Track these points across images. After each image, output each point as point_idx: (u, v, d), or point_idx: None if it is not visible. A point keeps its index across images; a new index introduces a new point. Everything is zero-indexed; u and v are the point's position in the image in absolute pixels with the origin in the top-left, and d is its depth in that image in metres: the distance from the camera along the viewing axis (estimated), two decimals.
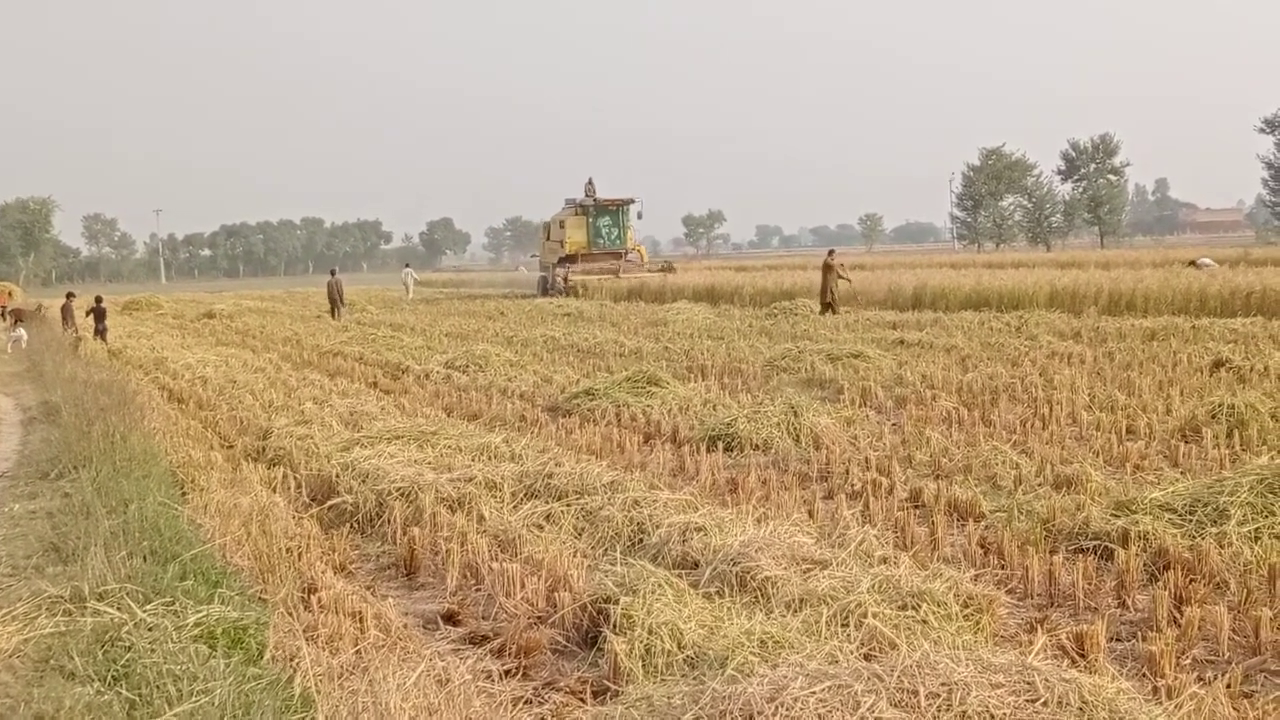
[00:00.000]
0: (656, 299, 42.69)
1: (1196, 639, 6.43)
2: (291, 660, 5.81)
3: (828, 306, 32.25)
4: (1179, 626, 6.53)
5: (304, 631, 6.46)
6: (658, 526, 8.64)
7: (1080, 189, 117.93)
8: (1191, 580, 7.19)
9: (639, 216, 54.48)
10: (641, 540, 8.67)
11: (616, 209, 53.75)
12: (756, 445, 12.65)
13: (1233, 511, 8.05)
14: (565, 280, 50.75)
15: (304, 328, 36.93)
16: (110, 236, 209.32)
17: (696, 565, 7.64)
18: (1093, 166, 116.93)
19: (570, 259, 52.37)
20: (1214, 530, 7.94)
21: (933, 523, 8.87)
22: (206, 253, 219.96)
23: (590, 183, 53.48)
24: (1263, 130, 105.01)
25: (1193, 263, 39.64)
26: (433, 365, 21.69)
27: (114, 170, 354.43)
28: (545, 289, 53.78)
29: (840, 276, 33.15)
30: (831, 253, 35.83)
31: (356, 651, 6.39)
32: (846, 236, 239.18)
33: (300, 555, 8.53)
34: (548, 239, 56.54)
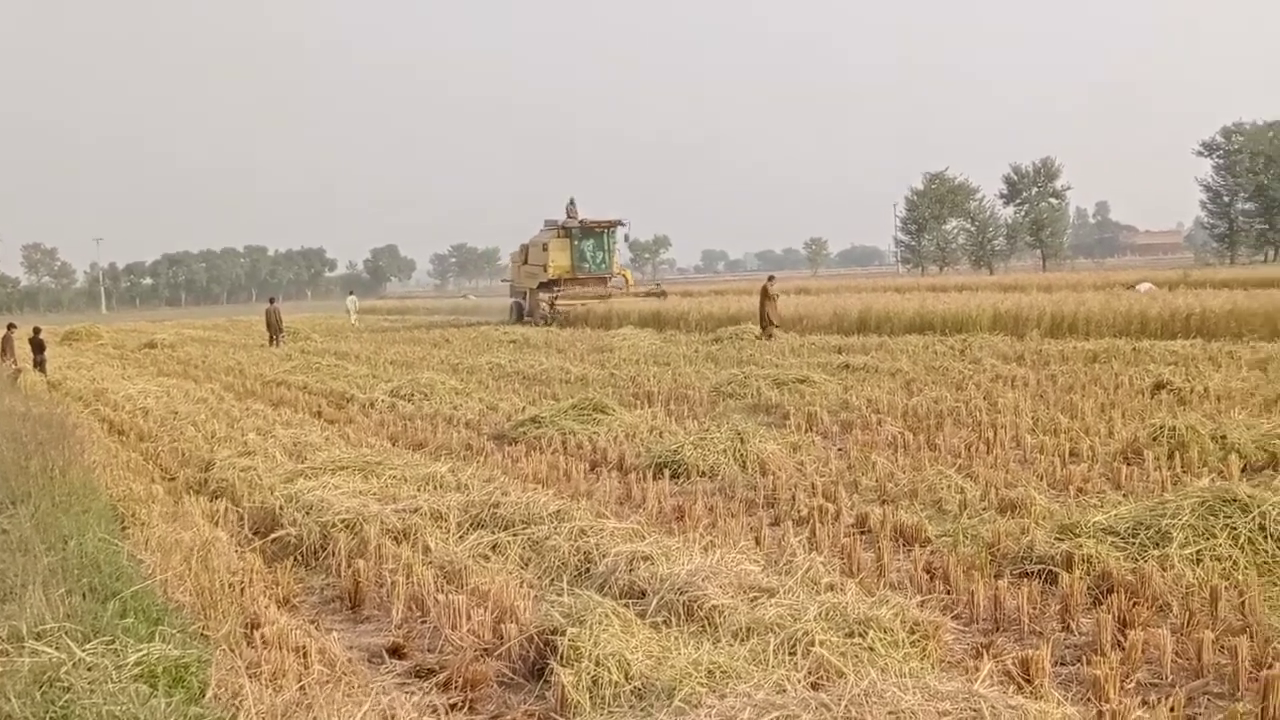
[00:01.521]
0: (603, 325, 42.65)
1: (1140, 662, 6.46)
2: (234, 699, 5.73)
3: (767, 331, 32.31)
4: (1123, 650, 6.56)
5: (247, 668, 6.37)
6: (604, 556, 8.60)
7: (1022, 212, 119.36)
8: (1135, 603, 7.24)
9: (626, 239, 52.87)
10: (588, 570, 8.63)
11: (602, 231, 51.02)
12: (703, 472, 12.65)
13: (1175, 534, 8.12)
14: (551, 306, 48.26)
15: (247, 357, 36.65)
16: (50, 266, 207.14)
17: (643, 594, 7.61)
18: (1034, 190, 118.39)
19: (553, 284, 49.81)
20: (1156, 553, 8.00)
21: (879, 548, 8.88)
22: (148, 281, 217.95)
23: (572, 203, 50.67)
24: (1201, 153, 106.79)
25: (1132, 287, 40.17)
26: (378, 394, 21.54)
27: (54, 199, 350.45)
28: (521, 315, 51.28)
29: (770, 297, 33.14)
30: (771, 279, 35.79)
31: (301, 688, 6.31)
32: (792, 260, 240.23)
33: (243, 590, 8.43)
34: (525, 263, 53.26)
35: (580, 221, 50.02)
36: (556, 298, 48.57)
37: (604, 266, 51.08)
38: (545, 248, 50.26)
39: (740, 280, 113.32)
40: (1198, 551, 7.95)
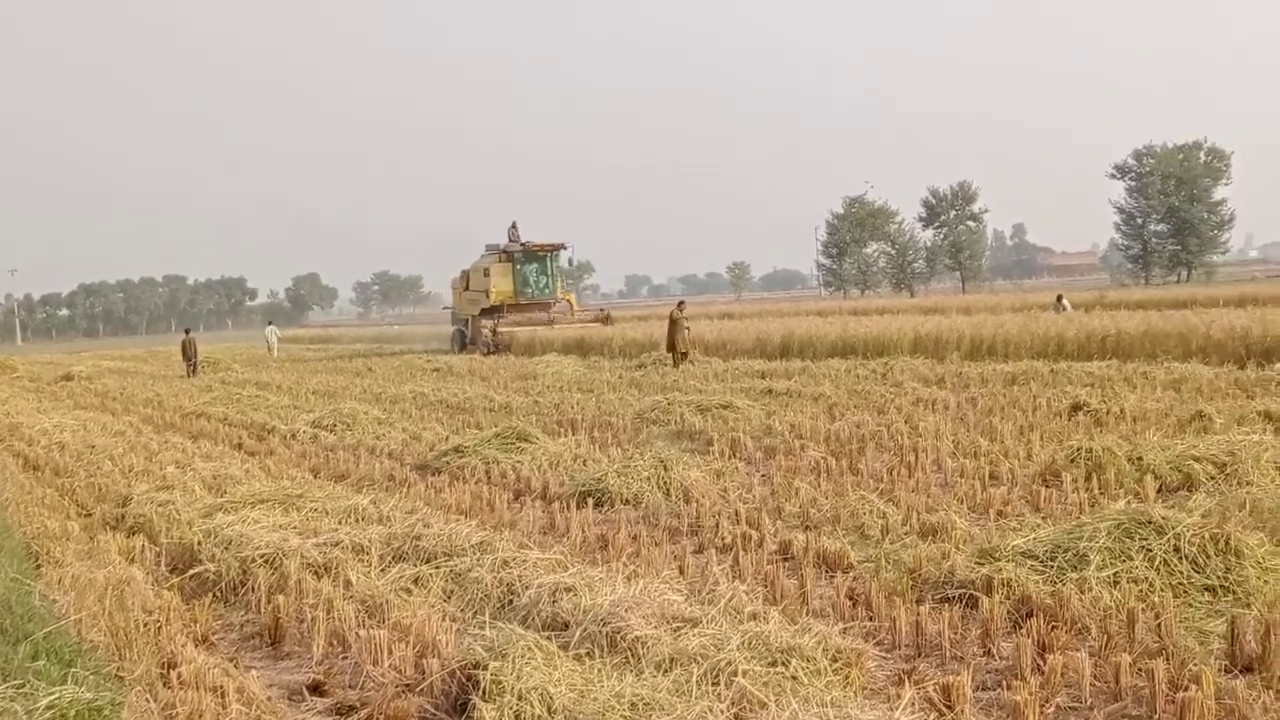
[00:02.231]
0: (526, 352, 42.49)
1: (1060, 686, 6.51)
2: None
3: (682, 356, 32.26)
4: (1042, 674, 6.61)
5: (162, 710, 6.27)
6: (527, 587, 8.54)
7: (941, 235, 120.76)
8: (1054, 627, 7.29)
9: (570, 263, 51.89)
10: (511, 601, 8.57)
11: (545, 255, 49.60)
12: (627, 500, 12.62)
13: (1092, 557, 8.20)
14: (494, 333, 46.40)
15: (166, 388, 36.18)
16: None
17: (567, 626, 7.56)
18: (953, 213, 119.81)
19: (495, 310, 47.95)
20: (1074, 576, 8.08)
21: (802, 575, 8.89)
22: (64, 312, 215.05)
23: (514, 227, 49.31)
24: (1114, 176, 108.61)
25: (1059, 297, 40.68)
26: (299, 425, 21.31)
27: None
28: (464, 343, 49.62)
29: (677, 324, 33.18)
30: (680, 305, 35.65)
31: None
32: (715, 284, 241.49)
33: (160, 628, 8.29)
34: (466, 289, 51.31)
35: (523, 245, 48.77)
36: (499, 324, 46.93)
37: (548, 291, 49.77)
38: (487, 273, 48.92)
39: (663, 305, 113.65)
40: (1115, 574, 8.03)
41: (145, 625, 8.10)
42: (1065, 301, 41.22)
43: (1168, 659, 6.63)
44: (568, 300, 51.59)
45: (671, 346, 32.63)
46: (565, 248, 50.06)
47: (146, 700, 6.36)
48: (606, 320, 49.06)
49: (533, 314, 48.15)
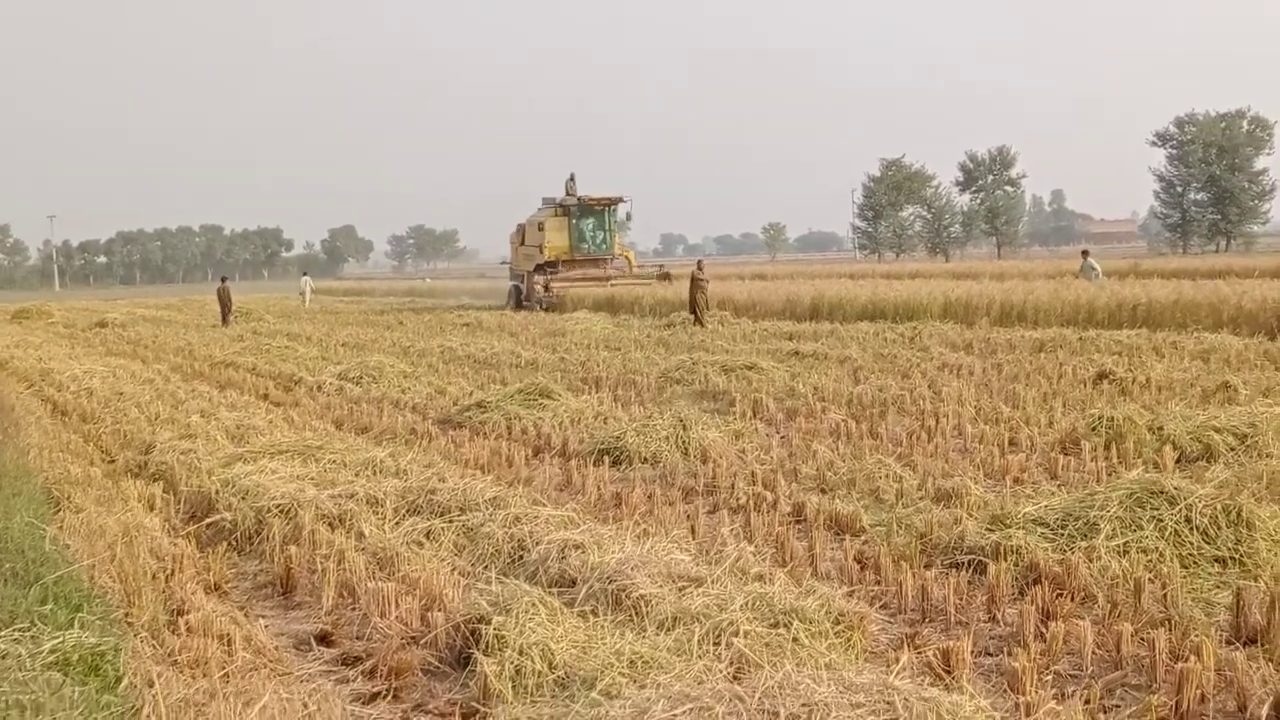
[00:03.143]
0: (556, 308, 42.50)
1: (1061, 654, 6.51)
2: (150, 687, 5.69)
3: (697, 319, 32.25)
4: (1044, 641, 6.61)
5: (167, 656, 6.34)
6: (538, 543, 8.58)
7: (978, 200, 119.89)
8: (1059, 595, 7.29)
9: (628, 218, 48.63)
10: (521, 557, 8.61)
11: (603, 209, 47.16)
12: (645, 459, 12.64)
13: (1102, 525, 8.17)
14: (546, 289, 44.84)
15: (198, 337, 36.38)
16: (2, 243, 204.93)
17: (574, 583, 7.60)
18: (990, 178, 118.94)
19: (549, 265, 46.13)
20: (1084, 544, 8.05)
21: (812, 538, 8.90)
22: (102, 260, 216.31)
23: (571, 180, 47.17)
24: (1155, 144, 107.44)
25: (1084, 253, 40.12)
26: (326, 377, 21.38)
27: (6, 175, 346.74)
28: (519, 300, 47.64)
29: (700, 283, 33.15)
30: (700, 265, 35.34)
31: (224, 675, 6.28)
32: (750, 245, 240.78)
33: (172, 575, 8.38)
34: (522, 244, 49.34)
35: (579, 199, 46.70)
36: (551, 280, 45.32)
37: (604, 247, 47.50)
38: (541, 227, 46.93)
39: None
40: (1124, 543, 8.01)
41: (156, 573, 8.19)
42: (1093, 260, 40.51)
43: (1170, 629, 6.63)
44: (625, 257, 49.61)
45: (694, 306, 32.61)
46: (624, 201, 47.65)
47: (151, 646, 6.43)
48: (666, 278, 46.57)
49: (588, 270, 46.48)
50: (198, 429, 15.00)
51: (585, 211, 47.00)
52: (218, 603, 7.97)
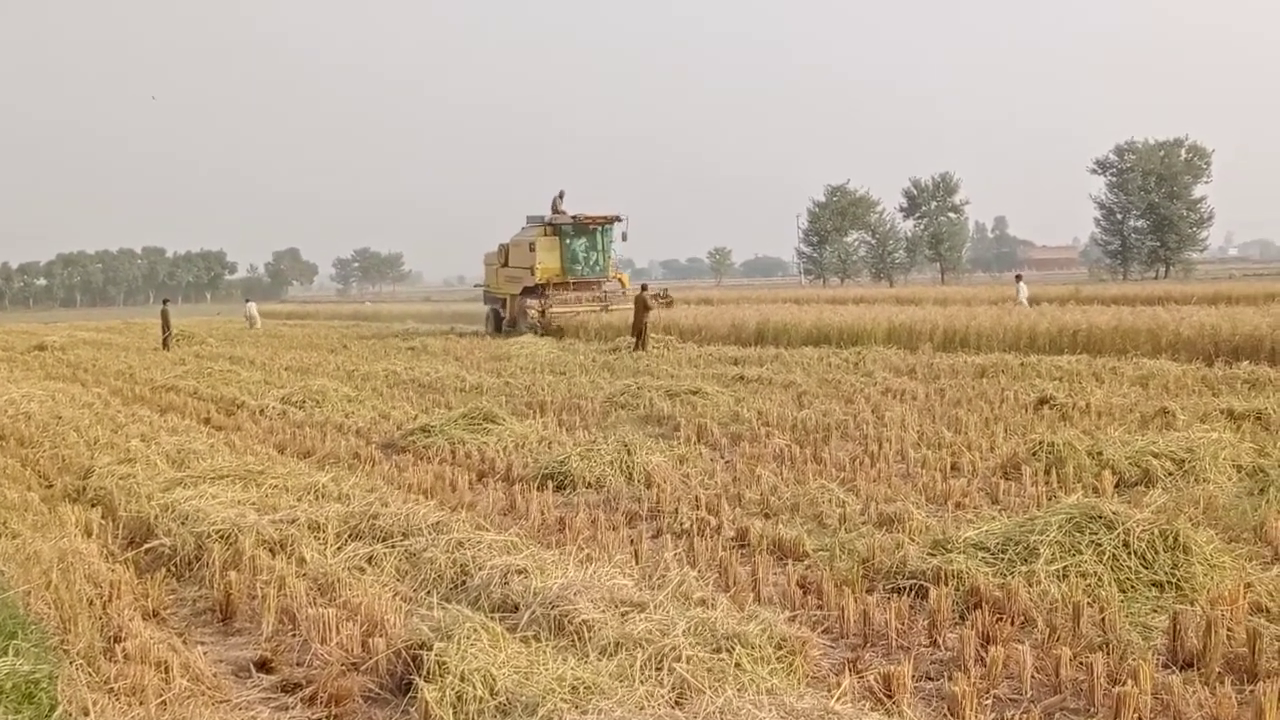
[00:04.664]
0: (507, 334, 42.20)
1: (1001, 678, 6.55)
2: (86, 716, 5.62)
3: (640, 343, 32.16)
4: (985, 665, 6.65)
5: (104, 684, 6.26)
6: (480, 568, 8.54)
7: (922, 226, 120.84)
8: (999, 619, 7.33)
9: (624, 238, 44.47)
10: (464, 582, 8.57)
11: (596, 228, 43.50)
12: (589, 483, 12.63)
13: (1042, 550, 8.24)
14: (542, 314, 40.98)
15: (139, 360, 35.99)
16: None
17: (516, 609, 7.57)
18: (934, 204, 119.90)
19: (539, 289, 42.24)
20: (1024, 569, 8.12)
21: (755, 562, 8.91)
22: (42, 282, 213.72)
23: (560, 196, 43.89)
24: (1095, 171, 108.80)
25: (1018, 276, 40.83)
26: (268, 400, 21.22)
27: None
28: (500, 325, 44.42)
29: (648, 307, 33.13)
30: (644, 287, 34.96)
31: (161, 703, 6.22)
32: (697, 270, 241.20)
33: (109, 602, 8.28)
34: (504, 264, 45.16)
35: (573, 217, 43.03)
36: (548, 305, 41.34)
37: (599, 269, 43.86)
38: (531, 247, 42.97)
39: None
40: (1064, 568, 8.08)
41: (93, 599, 8.09)
42: (1023, 284, 40.79)
43: (1108, 653, 6.69)
44: (619, 279, 45.34)
45: (637, 329, 32.62)
46: (620, 220, 43.85)
47: (87, 674, 6.35)
48: (667, 302, 42.68)
49: (581, 294, 42.67)
50: (138, 453, 14.84)
51: (578, 231, 43.48)
52: (156, 629, 7.89)
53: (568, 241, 43.07)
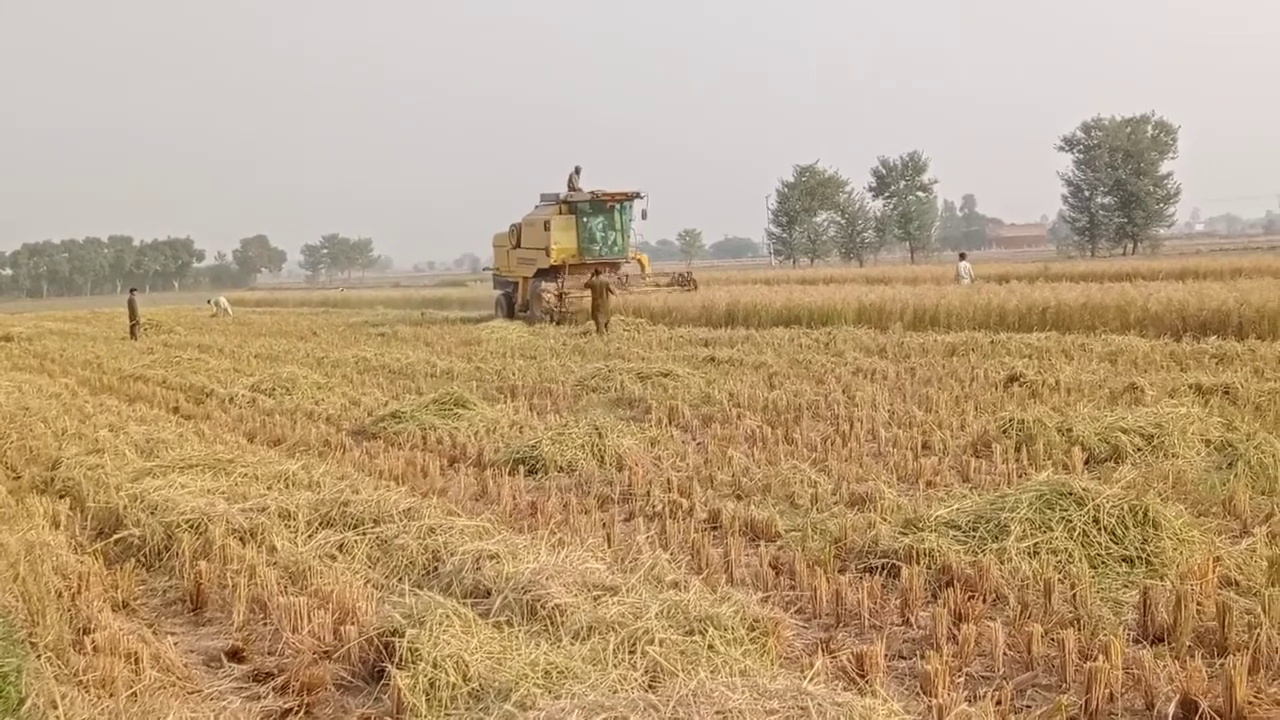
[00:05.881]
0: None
1: (973, 655, 6.57)
2: (55, 709, 5.58)
3: (600, 327, 32.07)
4: (957, 643, 6.66)
5: (73, 676, 6.21)
6: (452, 554, 8.51)
7: (891, 205, 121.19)
8: (971, 597, 7.34)
9: (644, 217, 41.39)
10: (436, 569, 8.54)
11: (614, 206, 40.61)
12: (560, 467, 12.61)
13: (1013, 527, 8.26)
14: (559, 298, 38.14)
15: (106, 350, 35.76)
16: None
17: (488, 594, 7.54)
18: (902, 183, 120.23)
19: (554, 271, 39.49)
20: (995, 546, 8.14)
21: (727, 544, 8.90)
22: (7, 272, 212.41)
23: (576, 173, 41.25)
24: (1062, 149, 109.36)
25: (961, 255, 41.05)
26: (238, 389, 21.09)
27: None
28: (512, 310, 41.85)
29: (610, 291, 32.89)
30: (597, 272, 34.28)
31: (131, 695, 6.17)
32: (666, 252, 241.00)
33: (78, 593, 8.22)
34: (516, 246, 42.33)
35: (591, 194, 40.29)
36: (566, 289, 38.31)
37: (618, 249, 41.05)
38: (546, 226, 40.14)
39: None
40: (1035, 544, 8.10)
41: (61, 591, 8.03)
42: (966, 264, 40.27)
43: (1079, 629, 6.71)
44: (639, 260, 43.27)
45: (595, 312, 32.60)
46: (641, 196, 40.85)
47: (56, 666, 6.30)
48: (691, 286, 41.69)
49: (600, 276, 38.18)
50: (106, 443, 14.73)
51: (596, 209, 40.56)
52: (125, 620, 7.84)
53: (584, 220, 40.41)
